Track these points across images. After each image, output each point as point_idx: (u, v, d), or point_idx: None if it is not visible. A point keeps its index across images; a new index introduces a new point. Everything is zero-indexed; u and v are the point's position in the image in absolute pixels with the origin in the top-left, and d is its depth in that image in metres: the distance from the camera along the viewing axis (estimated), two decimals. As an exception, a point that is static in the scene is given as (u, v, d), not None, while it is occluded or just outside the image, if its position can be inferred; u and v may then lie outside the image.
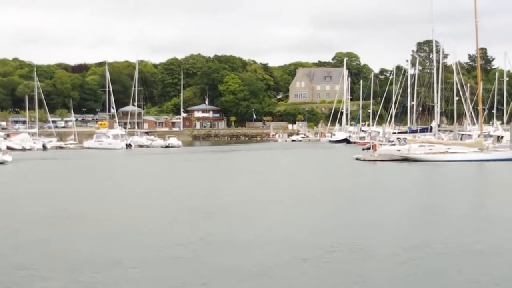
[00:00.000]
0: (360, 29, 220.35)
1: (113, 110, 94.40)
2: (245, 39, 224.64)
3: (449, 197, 24.91)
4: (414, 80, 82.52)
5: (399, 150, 48.34)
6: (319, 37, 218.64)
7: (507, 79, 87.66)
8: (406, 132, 55.93)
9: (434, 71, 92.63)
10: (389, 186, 29.31)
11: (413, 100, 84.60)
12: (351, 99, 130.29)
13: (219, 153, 68.89)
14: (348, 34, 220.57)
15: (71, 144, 74.80)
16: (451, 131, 65.29)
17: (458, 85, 75.91)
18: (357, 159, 47.62)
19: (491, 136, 60.25)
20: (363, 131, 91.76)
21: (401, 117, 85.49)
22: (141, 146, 77.80)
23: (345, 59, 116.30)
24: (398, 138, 50.66)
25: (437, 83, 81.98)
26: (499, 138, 56.29)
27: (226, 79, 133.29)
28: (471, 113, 72.40)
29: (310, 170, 40.45)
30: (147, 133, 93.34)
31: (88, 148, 72.57)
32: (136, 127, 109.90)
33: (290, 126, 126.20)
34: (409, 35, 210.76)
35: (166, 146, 77.41)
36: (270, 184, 30.93)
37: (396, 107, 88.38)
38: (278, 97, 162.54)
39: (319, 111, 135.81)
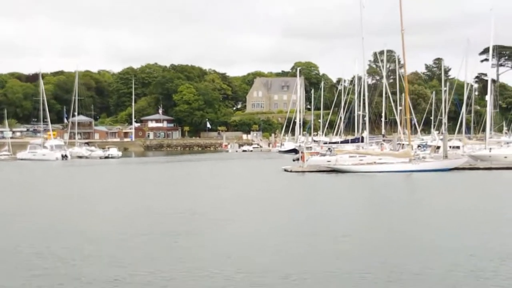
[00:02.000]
0: (330, 40, 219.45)
1: (65, 121, 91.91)
2: (214, 50, 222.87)
3: (333, 209, 23.34)
4: (361, 89, 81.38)
5: (329, 161, 47.00)
6: (289, 48, 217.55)
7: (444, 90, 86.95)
8: (337, 143, 54.73)
9: (384, 80, 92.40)
10: (289, 198, 27.74)
11: (364, 110, 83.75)
12: (309, 109, 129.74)
13: (156, 164, 66.90)
14: (318, 44, 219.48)
15: (4, 155, 72.00)
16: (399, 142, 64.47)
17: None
18: (285, 170, 46.14)
19: (429, 146, 59.61)
20: (315, 141, 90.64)
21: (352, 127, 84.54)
22: (80, 157, 75.23)
23: (298, 68, 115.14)
24: (329, 149, 49.33)
25: (385, 92, 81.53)
26: (436, 148, 55.52)
27: (181, 89, 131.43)
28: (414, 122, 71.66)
29: (228, 182, 38.69)
30: (87, 143, 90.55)
31: (22, 159, 69.91)
32: (88, 137, 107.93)
33: (244, 136, 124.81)
34: (376, 46, 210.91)
35: (106, 157, 75.02)
36: (174, 195, 29.13)
37: (346, 116, 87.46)
38: (237, 107, 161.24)
39: (275, 120, 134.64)
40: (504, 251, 14.61)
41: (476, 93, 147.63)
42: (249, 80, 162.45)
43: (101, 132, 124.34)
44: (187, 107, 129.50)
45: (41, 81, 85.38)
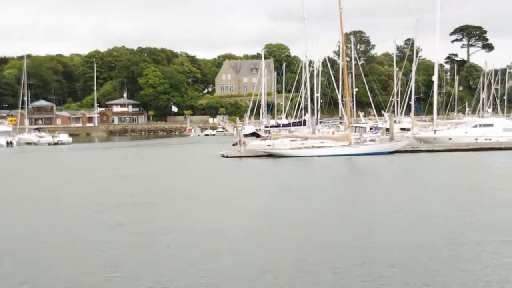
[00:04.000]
0: (312, 22, 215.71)
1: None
2: (199, 33, 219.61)
3: (245, 192, 21.73)
4: (314, 71, 79.62)
5: (269, 145, 45.45)
6: (275, 30, 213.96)
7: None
8: (279, 126, 53.09)
9: (340, 61, 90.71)
10: (209, 184, 26.11)
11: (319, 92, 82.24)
12: (280, 92, 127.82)
13: (104, 149, 64.99)
14: (300, 26, 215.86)
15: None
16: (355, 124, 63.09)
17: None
18: (222, 155, 44.50)
19: (379, 128, 58.27)
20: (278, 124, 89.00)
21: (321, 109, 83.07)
22: (29, 143, 72.93)
23: (262, 50, 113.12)
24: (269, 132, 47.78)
25: (341, 74, 79.78)
26: (386, 130, 54.18)
27: (146, 72, 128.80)
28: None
29: (160, 169, 36.91)
30: (37, 129, 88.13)
31: (-33, 146, 67.62)
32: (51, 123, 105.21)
33: (211, 120, 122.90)
34: (360, 27, 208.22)
35: (55, 143, 72.79)
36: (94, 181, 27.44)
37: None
38: (208, 90, 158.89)
39: (243, 104, 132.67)
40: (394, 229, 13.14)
41: (448, 74, 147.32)
42: (219, 63, 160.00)
43: (64, 117, 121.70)
44: (153, 90, 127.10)
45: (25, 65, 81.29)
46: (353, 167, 36.32)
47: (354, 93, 75.52)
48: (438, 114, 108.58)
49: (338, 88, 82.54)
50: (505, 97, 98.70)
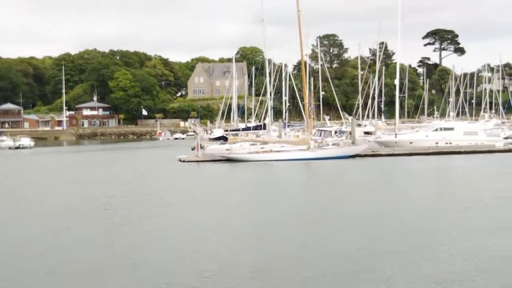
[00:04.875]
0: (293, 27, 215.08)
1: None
2: (179, 37, 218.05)
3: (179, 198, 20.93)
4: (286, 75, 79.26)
5: (228, 150, 44.70)
6: (256, 34, 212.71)
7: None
8: (239, 130, 52.42)
9: (307, 63, 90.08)
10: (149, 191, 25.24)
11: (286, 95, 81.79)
12: (257, 95, 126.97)
13: (66, 153, 63.78)
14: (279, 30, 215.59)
15: None
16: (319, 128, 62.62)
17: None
18: (180, 160, 43.66)
19: (343, 132, 57.87)
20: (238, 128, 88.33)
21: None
22: (-13, 148, 71.24)
23: (234, 54, 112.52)
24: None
25: (308, 77, 79.42)
26: (350, 134, 53.79)
27: (117, 75, 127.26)
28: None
29: (108, 174, 35.92)
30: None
31: None
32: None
33: (182, 124, 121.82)
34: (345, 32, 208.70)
35: (16, 147, 71.20)
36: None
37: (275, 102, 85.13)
38: (182, 93, 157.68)
39: (215, 107, 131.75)
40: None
41: (424, 78, 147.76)
42: (192, 66, 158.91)
43: (32, 121, 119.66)
44: (123, 94, 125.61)
45: None
46: (307, 172, 35.75)
47: (321, 97, 74.94)
48: (407, 117, 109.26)
49: (309, 91, 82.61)
50: (473, 101, 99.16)
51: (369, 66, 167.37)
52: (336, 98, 70.76)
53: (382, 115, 67.03)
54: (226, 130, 56.06)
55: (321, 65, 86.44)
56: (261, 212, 19.48)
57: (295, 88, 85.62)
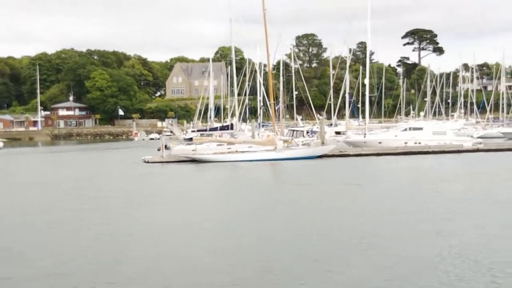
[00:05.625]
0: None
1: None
2: (159, 37, 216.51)
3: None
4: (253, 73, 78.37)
5: (194, 150, 43.96)
6: (239, 34, 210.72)
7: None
8: (206, 130, 51.69)
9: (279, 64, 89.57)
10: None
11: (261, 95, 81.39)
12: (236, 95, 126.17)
13: (38, 154, 62.64)
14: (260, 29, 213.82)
15: None
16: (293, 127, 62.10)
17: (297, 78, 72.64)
18: (145, 161, 42.79)
19: (315, 132, 57.39)
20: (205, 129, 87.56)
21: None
22: (-43, 149, 69.79)
23: (211, 53, 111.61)
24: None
25: (282, 75, 78.89)
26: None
27: (93, 75, 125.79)
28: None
29: (67, 175, 34.96)
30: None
31: None
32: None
33: (159, 124, 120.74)
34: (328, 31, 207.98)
35: (-15, 148, 69.88)
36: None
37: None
38: (161, 93, 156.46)
39: (193, 107, 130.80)
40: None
41: (401, 77, 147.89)
42: (171, 66, 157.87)
43: (5, 121, 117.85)
44: (100, 94, 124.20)
45: None
46: (269, 172, 35.11)
47: (295, 96, 74.51)
48: (385, 116, 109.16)
49: (288, 91, 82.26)
50: (449, 101, 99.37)
51: (349, 66, 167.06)
52: (309, 98, 70.28)
53: (355, 114, 66.68)
54: (193, 131, 55.22)
55: (295, 65, 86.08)
56: (205, 213, 18.79)
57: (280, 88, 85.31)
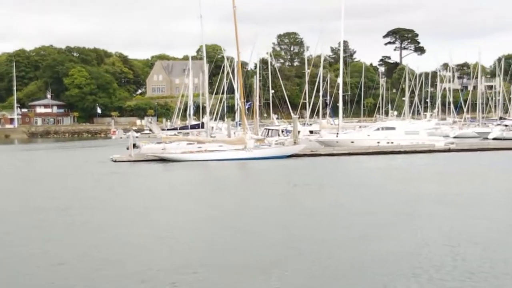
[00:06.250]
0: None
1: None
2: (148, 35, 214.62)
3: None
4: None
5: (164, 149, 43.32)
6: (225, 32, 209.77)
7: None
8: (176, 129, 51.03)
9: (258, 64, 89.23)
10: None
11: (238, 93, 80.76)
12: (214, 93, 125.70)
13: (6, 152, 61.48)
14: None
15: None
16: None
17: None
18: (113, 160, 42.08)
19: (289, 131, 56.97)
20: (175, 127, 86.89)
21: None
22: None
23: (190, 54, 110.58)
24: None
25: (258, 75, 78.35)
26: (299, 133, 52.90)
27: (72, 72, 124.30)
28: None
29: (26, 175, 34.22)
30: None
31: None
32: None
33: (138, 122, 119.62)
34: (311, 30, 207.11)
35: None
36: None
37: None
38: (142, 91, 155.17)
39: (173, 105, 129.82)
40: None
41: (382, 76, 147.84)
42: (152, 64, 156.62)
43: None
44: (79, 91, 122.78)
45: None
46: (234, 172, 34.64)
47: (271, 95, 74.07)
48: (364, 116, 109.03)
49: (269, 89, 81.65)
50: (428, 100, 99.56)
51: (330, 65, 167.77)
52: (286, 96, 69.90)
53: (328, 113, 66.46)
54: (163, 129, 54.54)
55: (277, 63, 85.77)
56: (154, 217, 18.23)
57: (255, 86, 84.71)
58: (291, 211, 19.05)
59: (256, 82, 74.78)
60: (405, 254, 12.65)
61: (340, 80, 50.91)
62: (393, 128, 47.60)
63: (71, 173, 34.11)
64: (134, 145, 44.23)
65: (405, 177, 29.22)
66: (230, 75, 77.19)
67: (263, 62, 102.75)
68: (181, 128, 50.72)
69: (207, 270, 11.65)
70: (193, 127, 48.43)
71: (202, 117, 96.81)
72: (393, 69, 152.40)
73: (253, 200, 22.04)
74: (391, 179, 28.12)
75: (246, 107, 53.29)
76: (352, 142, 46.70)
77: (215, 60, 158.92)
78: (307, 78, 61.24)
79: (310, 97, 59.63)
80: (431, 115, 78.91)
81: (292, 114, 67.48)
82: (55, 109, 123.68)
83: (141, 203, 21.25)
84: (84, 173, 33.90)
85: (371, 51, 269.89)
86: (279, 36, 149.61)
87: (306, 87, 59.98)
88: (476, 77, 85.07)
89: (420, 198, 21.15)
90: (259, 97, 77.04)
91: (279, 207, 19.95)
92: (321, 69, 59.83)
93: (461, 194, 22.10)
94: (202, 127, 46.90)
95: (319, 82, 57.98)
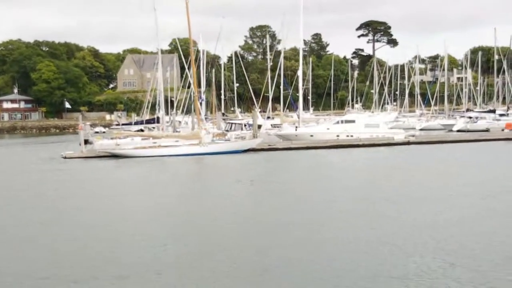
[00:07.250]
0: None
1: None
2: (120, 28, 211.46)
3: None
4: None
5: (118, 145, 42.24)
6: (205, 25, 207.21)
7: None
8: (131, 124, 49.96)
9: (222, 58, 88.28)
10: None
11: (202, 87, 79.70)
12: (187, 87, 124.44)
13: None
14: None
15: None
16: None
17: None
18: (63, 157, 40.85)
19: (251, 125, 56.16)
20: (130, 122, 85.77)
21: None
22: None
23: (159, 48, 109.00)
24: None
25: (223, 69, 77.46)
26: (259, 127, 52.10)
27: (39, 67, 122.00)
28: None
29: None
30: None
31: None
32: None
33: (108, 117, 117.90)
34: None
35: None
36: None
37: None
38: (113, 86, 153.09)
39: (144, 99, 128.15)
40: None
41: (357, 70, 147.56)
42: (123, 58, 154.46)
43: None
44: (46, 86, 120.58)
45: None
46: (185, 168, 33.69)
47: (235, 88, 73.24)
48: (335, 109, 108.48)
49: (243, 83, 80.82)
50: (397, 92, 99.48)
51: (305, 58, 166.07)
52: (250, 90, 69.00)
53: (293, 106, 65.85)
54: (118, 124, 53.36)
55: (250, 56, 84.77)
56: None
57: (227, 81, 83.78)
58: (206, 205, 18.23)
59: (222, 76, 73.92)
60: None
61: (300, 72, 50.25)
62: (352, 121, 46.99)
63: (14, 171, 32.91)
64: (87, 141, 43.11)
65: (354, 172, 28.56)
66: (201, 68, 76.50)
67: (237, 56, 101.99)
68: (136, 123, 49.51)
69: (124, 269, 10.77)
70: (148, 121, 47.33)
71: (170, 112, 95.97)
72: (366, 62, 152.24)
73: (184, 197, 21.19)
74: (341, 173, 27.46)
75: (200, 101, 52.20)
76: (312, 135, 46.02)
77: (187, 54, 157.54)
78: (269, 73, 60.25)
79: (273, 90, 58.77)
80: (393, 107, 78.64)
81: (255, 107, 66.85)
82: (22, 104, 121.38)
83: (71, 203, 20.26)
84: (26, 171, 32.71)
85: (345, 45, 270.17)
86: (251, 29, 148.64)
87: (269, 80, 59.00)
88: (448, 70, 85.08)
89: (362, 193, 20.48)
90: (224, 91, 76.21)
91: (207, 202, 19.11)
92: (281, 60, 58.77)
93: (406, 190, 21.46)
94: (158, 121, 45.82)
95: (279, 75, 57.13)
